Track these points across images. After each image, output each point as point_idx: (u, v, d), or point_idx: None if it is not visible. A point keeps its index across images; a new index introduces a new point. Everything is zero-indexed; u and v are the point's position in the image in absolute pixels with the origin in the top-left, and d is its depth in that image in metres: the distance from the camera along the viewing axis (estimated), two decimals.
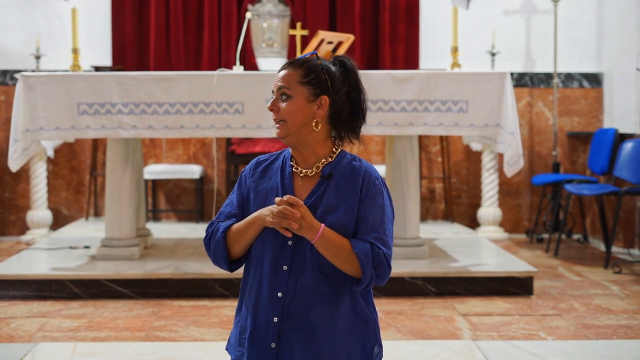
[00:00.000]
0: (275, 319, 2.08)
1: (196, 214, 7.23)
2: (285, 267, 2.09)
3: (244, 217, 2.17)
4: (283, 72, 2.14)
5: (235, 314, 2.23)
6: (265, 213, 2.09)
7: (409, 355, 3.71)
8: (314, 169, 2.15)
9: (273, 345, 2.09)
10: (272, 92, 2.16)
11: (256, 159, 2.25)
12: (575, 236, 7.13)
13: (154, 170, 7.06)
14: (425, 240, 5.48)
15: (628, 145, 6.00)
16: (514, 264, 5.10)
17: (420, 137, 6.98)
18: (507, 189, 7.30)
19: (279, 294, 2.08)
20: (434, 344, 3.87)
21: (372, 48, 7.33)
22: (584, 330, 4.13)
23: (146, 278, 4.79)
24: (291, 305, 2.08)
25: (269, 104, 2.15)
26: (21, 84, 4.81)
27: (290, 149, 2.20)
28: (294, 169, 2.16)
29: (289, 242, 2.09)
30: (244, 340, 2.14)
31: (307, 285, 2.09)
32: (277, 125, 2.14)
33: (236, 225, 2.15)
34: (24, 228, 7.06)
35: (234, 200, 2.22)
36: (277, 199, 2.06)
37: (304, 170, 2.15)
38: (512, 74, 7.00)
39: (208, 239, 2.19)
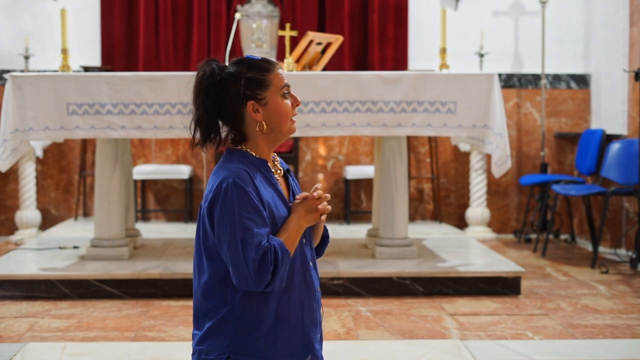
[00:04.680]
0: (320, 312, 2.20)
1: (185, 214, 7.23)
2: (311, 264, 2.16)
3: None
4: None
5: (245, 336, 2.06)
6: (306, 217, 2.07)
7: (397, 354, 3.73)
8: (278, 169, 2.18)
9: (319, 335, 2.19)
10: (286, 87, 2.12)
11: (240, 171, 2.04)
12: (563, 236, 7.17)
13: (143, 171, 7.06)
14: (414, 240, 5.50)
15: (615, 146, 6.04)
16: (501, 264, 5.13)
17: (408, 138, 7.00)
18: (495, 190, 7.33)
19: (319, 289, 2.19)
20: (422, 343, 3.89)
21: (361, 49, 7.35)
22: (571, 329, 4.16)
23: (135, 278, 4.79)
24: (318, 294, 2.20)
25: (295, 101, 2.14)
26: (10, 84, 4.80)
27: (260, 156, 2.12)
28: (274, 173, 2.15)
29: (304, 240, 2.13)
30: (309, 346, 2.12)
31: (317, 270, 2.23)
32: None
33: (283, 239, 2.03)
34: (12, 228, 7.04)
35: (259, 219, 2.00)
36: (319, 192, 2.07)
37: (275, 172, 2.16)
38: (500, 75, 7.03)
39: (272, 262, 1.97)
